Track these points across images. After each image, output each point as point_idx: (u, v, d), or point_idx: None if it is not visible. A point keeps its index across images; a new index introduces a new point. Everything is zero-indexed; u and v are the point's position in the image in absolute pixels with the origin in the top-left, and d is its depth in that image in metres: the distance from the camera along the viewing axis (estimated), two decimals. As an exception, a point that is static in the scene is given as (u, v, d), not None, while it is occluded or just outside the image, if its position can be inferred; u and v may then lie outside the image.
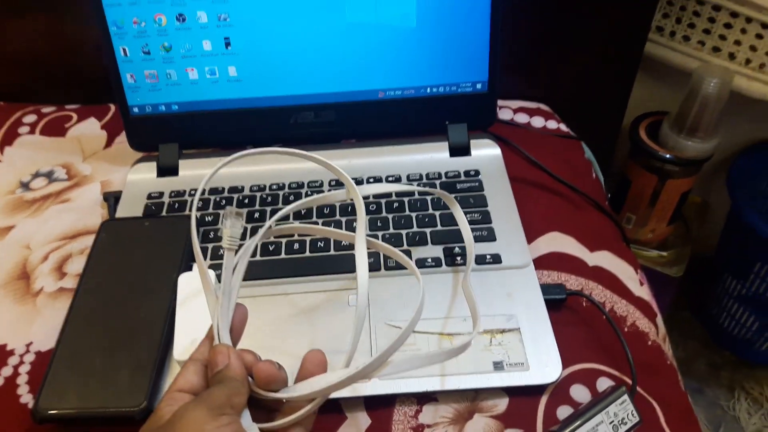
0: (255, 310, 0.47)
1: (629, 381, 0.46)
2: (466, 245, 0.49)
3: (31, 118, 0.71)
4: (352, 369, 0.34)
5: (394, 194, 0.56)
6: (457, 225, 0.53)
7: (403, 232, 0.53)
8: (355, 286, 0.48)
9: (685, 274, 0.97)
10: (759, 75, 0.83)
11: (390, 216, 0.54)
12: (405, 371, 0.37)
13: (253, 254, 0.52)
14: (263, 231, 0.42)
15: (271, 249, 0.52)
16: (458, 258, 0.51)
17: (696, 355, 1.10)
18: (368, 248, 0.41)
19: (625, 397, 0.42)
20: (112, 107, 0.72)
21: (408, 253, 0.51)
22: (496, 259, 0.51)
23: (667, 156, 0.87)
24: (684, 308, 1.15)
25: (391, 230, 0.53)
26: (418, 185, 0.57)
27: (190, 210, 0.56)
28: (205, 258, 0.52)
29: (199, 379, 0.35)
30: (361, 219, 0.41)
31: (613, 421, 0.41)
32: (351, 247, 0.52)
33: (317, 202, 0.45)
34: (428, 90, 0.60)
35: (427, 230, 0.53)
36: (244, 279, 0.40)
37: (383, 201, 0.56)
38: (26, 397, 0.46)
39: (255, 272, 0.50)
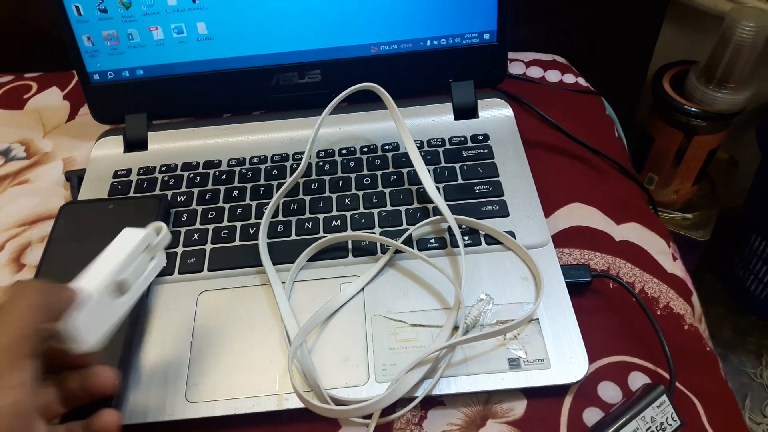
0: (246, 298, 0.42)
1: (666, 375, 0.40)
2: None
3: (-14, 89, 0.64)
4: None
5: (391, 165, 0.50)
6: (464, 198, 0.47)
7: (402, 209, 0.46)
8: (347, 274, 0.43)
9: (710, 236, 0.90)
10: (799, 16, 0.74)
11: (387, 191, 0.48)
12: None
13: (231, 239, 0.46)
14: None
15: (251, 232, 0.46)
16: (466, 237, 0.44)
17: (721, 320, 1.04)
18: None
19: (664, 398, 0.36)
20: (76, 74, 0.65)
21: (409, 238, 0.44)
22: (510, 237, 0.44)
23: (694, 110, 0.79)
24: (707, 271, 1.08)
25: (389, 207, 0.47)
26: (423, 155, 0.50)
27: (160, 189, 0.50)
28: (177, 244, 0.46)
29: None
30: None
31: (650, 427, 0.35)
32: (342, 229, 0.46)
33: None
34: (428, 43, 0.52)
35: (429, 206, 0.46)
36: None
37: (379, 173, 0.49)
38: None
39: (239, 260, 0.44)
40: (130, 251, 0.34)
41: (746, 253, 1.00)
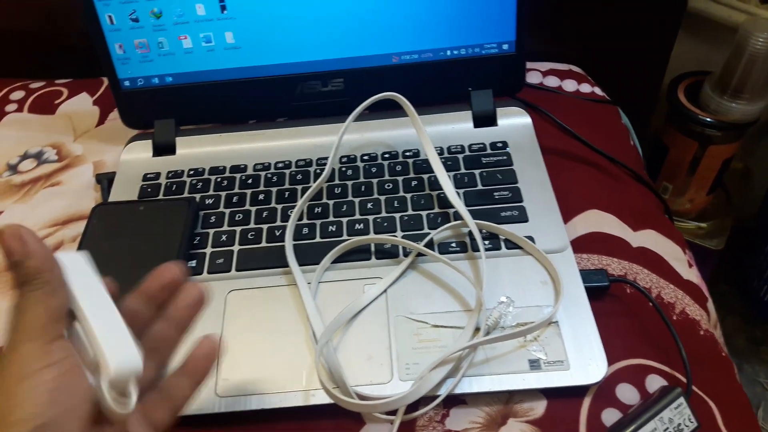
0: (273, 297, 0.43)
1: (683, 379, 0.41)
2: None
3: (18, 95, 0.66)
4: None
5: (412, 171, 0.51)
6: (483, 204, 0.48)
7: (423, 213, 0.48)
8: (370, 275, 0.44)
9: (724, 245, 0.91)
10: (813, 28, 0.75)
11: (408, 196, 0.49)
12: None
13: (258, 241, 0.47)
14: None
15: (277, 234, 0.47)
16: (486, 242, 0.45)
17: (735, 330, 1.04)
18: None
19: (681, 399, 0.37)
20: (105, 81, 0.67)
21: (431, 241, 0.45)
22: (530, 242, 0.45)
23: (709, 120, 0.80)
24: (722, 281, 1.08)
25: (410, 211, 0.48)
26: (444, 161, 0.51)
27: (189, 192, 0.51)
28: (205, 245, 0.47)
29: None
30: None
31: (668, 428, 0.36)
32: (364, 233, 0.47)
33: None
34: (448, 53, 0.54)
35: (450, 211, 0.48)
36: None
37: (400, 179, 0.50)
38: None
39: (265, 261, 0.46)
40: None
41: (761, 262, 1.00)
